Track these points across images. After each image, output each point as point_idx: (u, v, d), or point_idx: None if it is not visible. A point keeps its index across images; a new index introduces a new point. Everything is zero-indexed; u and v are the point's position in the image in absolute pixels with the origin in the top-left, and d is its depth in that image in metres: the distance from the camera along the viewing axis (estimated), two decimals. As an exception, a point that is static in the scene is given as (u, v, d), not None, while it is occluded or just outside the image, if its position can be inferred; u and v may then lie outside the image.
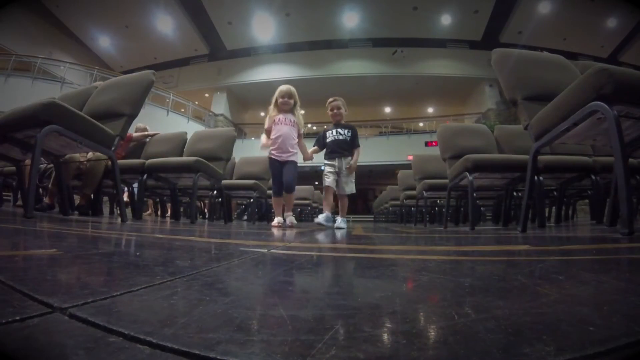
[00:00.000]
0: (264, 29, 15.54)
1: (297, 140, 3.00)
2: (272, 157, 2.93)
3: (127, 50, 16.60)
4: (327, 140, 3.19)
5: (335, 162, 3.08)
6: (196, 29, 15.68)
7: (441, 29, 15.52)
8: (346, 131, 3.16)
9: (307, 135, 17.33)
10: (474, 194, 2.49)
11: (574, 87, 1.21)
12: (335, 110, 3.21)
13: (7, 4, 11.37)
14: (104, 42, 16.23)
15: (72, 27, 15.40)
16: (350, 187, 3.08)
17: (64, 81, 11.73)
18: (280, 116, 2.96)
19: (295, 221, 3.01)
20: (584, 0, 13.93)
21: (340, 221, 2.96)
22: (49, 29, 14.71)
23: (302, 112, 3.18)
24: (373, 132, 18.73)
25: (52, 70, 12.61)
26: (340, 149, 3.10)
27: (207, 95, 16.88)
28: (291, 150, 2.93)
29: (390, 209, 7.64)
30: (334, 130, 3.17)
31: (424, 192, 3.97)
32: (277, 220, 2.88)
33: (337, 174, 3.07)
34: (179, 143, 3.76)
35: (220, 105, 16.19)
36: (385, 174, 18.82)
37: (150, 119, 12.47)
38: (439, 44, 15.97)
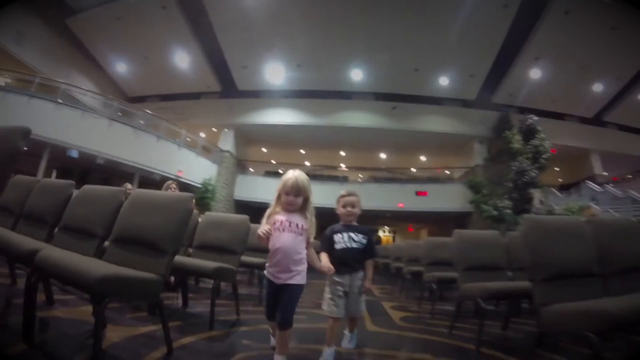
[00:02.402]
0: (275, 75, 17.34)
1: (304, 253, 2.14)
2: (269, 277, 2.14)
3: (143, 79, 18.21)
4: (336, 246, 2.44)
5: (346, 280, 2.38)
6: (211, 68, 17.35)
7: (438, 88, 17.46)
8: (361, 237, 2.47)
9: (313, 177, 18.92)
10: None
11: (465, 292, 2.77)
12: (348, 208, 2.50)
13: (8, 4, 12.35)
14: (121, 67, 17.75)
15: (92, 50, 16.84)
16: (362, 308, 2.48)
17: (86, 109, 12.62)
18: (282, 217, 2.12)
19: None
20: (573, 68, 16.00)
21: (350, 339, 2.53)
22: (69, 48, 16.05)
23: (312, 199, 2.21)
24: (367, 175, 20.51)
25: (72, 93, 13.46)
26: (354, 262, 2.41)
27: (214, 129, 18.38)
28: (294, 268, 2.09)
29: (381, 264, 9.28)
30: (345, 235, 2.46)
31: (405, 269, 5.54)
32: (272, 343, 2.36)
33: (346, 294, 2.38)
34: (243, 231, 3.53)
35: (227, 142, 17.67)
36: (376, 218, 20.47)
37: (164, 151, 13.96)
38: (435, 102, 17.91)
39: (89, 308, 2.82)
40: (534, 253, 2.13)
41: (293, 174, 2.14)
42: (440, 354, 2.58)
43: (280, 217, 2.12)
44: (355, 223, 2.55)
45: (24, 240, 2.29)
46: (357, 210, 2.52)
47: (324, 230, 2.53)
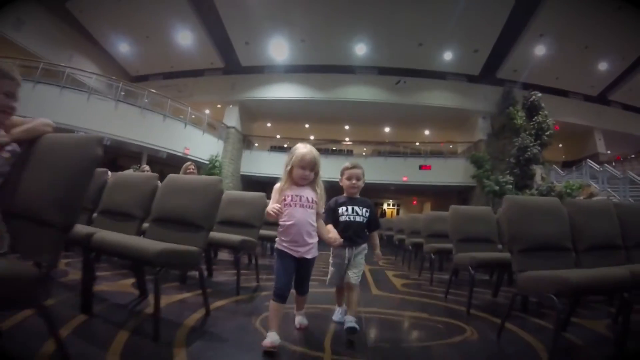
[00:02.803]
0: (278, 51, 17.52)
1: (315, 226, 2.22)
2: (284, 249, 2.16)
3: (145, 58, 18.40)
4: (340, 218, 2.47)
5: (346, 252, 2.42)
6: (214, 45, 17.50)
7: (442, 63, 17.61)
8: (364, 210, 2.49)
9: (317, 151, 19.45)
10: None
11: (458, 261, 3.17)
12: (354, 181, 2.50)
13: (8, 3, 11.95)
14: (123, 48, 17.91)
15: (94, 32, 17.01)
16: (359, 277, 2.45)
17: (92, 92, 12.74)
18: (292, 193, 2.17)
19: (306, 321, 2.41)
20: (577, 46, 16.09)
21: (351, 320, 2.28)
22: (70, 32, 16.20)
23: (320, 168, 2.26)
24: (371, 149, 20.86)
25: (77, 77, 13.54)
26: (355, 236, 2.43)
27: (219, 106, 18.67)
28: (310, 241, 2.18)
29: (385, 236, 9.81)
30: (349, 208, 2.48)
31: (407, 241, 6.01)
32: (270, 339, 1.96)
33: (346, 266, 2.44)
34: (260, 207, 3.89)
35: (232, 118, 17.98)
36: (380, 191, 20.94)
37: (170, 129, 14.30)
38: (439, 76, 18.06)
39: (127, 282, 3.35)
40: (512, 228, 2.48)
41: (308, 148, 2.18)
42: (434, 314, 3.04)
43: (291, 192, 2.16)
44: (358, 195, 2.57)
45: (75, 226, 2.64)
46: (361, 183, 2.54)
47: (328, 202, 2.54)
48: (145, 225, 3.03)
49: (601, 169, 13.97)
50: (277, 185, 2.21)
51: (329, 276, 2.57)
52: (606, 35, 15.17)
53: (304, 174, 2.15)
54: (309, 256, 2.19)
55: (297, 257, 2.15)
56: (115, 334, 2.03)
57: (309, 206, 2.17)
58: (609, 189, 12.60)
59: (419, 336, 2.58)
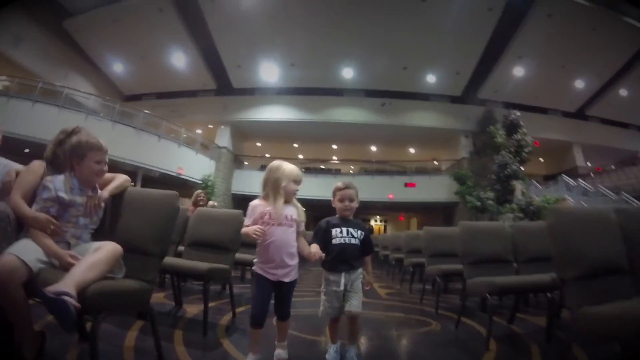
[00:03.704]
0: (269, 74, 18.54)
1: (296, 245, 2.15)
2: (261, 274, 2.07)
3: (139, 78, 19.23)
4: (334, 241, 2.29)
5: (342, 279, 2.23)
6: (207, 67, 18.44)
7: (426, 85, 18.79)
8: (359, 232, 2.34)
9: (306, 170, 20.61)
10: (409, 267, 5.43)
11: (429, 272, 4.08)
12: (346, 203, 2.34)
13: (8, 4, 12.89)
14: (117, 67, 18.70)
15: (89, 51, 17.80)
16: (360, 304, 2.26)
17: (89, 112, 13.33)
18: (272, 210, 2.08)
19: (286, 356, 2.17)
20: (555, 66, 17.32)
21: (353, 356, 2.22)
22: (66, 50, 16.93)
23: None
24: (359, 167, 21.87)
25: (74, 96, 14.13)
26: (353, 259, 2.29)
27: (211, 126, 19.56)
28: (289, 262, 2.08)
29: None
30: (343, 229, 2.32)
31: (391, 256, 6.91)
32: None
33: (343, 294, 2.25)
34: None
35: (224, 138, 18.82)
36: (367, 208, 21.86)
37: (165, 150, 15.03)
38: (423, 97, 19.25)
39: (159, 295, 4.16)
40: (463, 245, 3.39)
41: (290, 164, 2.21)
42: (410, 313, 3.97)
43: (270, 210, 2.08)
44: (351, 217, 2.41)
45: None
46: (355, 204, 2.37)
47: (318, 221, 2.45)
48: (180, 248, 3.86)
49: (575, 183, 15.13)
50: (256, 202, 2.18)
51: (321, 307, 2.31)
52: (581, 55, 16.48)
53: (294, 189, 2.17)
54: (287, 279, 2.09)
55: (274, 280, 2.07)
56: (172, 332, 2.79)
57: (289, 224, 2.12)
58: (582, 202, 13.71)
59: (395, 328, 3.47)
